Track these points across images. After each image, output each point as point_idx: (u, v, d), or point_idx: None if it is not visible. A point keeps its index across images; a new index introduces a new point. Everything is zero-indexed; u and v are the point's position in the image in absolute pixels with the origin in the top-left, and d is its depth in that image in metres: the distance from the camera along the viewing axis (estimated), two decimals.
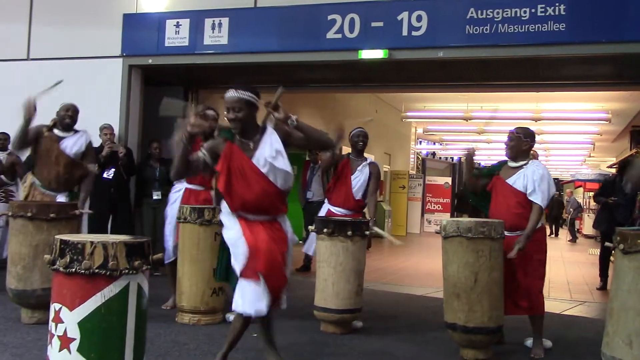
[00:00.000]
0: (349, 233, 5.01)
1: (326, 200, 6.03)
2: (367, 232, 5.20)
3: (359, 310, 5.19)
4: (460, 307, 4.41)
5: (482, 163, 27.21)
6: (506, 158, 4.95)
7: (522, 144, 4.80)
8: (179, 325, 5.10)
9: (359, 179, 5.79)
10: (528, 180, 4.67)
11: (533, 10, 6.37)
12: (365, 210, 6.05)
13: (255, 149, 3.63)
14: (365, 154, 6.00)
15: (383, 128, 16.36)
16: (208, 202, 5.63)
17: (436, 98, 14.12)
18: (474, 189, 5.12)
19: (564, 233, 21.39)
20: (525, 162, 4.79)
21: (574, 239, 18.98)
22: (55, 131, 5.53)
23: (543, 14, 6.34)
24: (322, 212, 5.92)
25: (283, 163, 3.61)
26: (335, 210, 5.83)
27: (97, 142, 7.09)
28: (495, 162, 5.20)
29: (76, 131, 5.61)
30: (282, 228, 3.74)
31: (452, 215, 18.58)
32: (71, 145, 5.49)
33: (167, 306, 5.62)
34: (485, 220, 4.49)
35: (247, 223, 3.62)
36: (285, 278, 3.69)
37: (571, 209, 20.35)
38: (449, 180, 20.61)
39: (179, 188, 5.73)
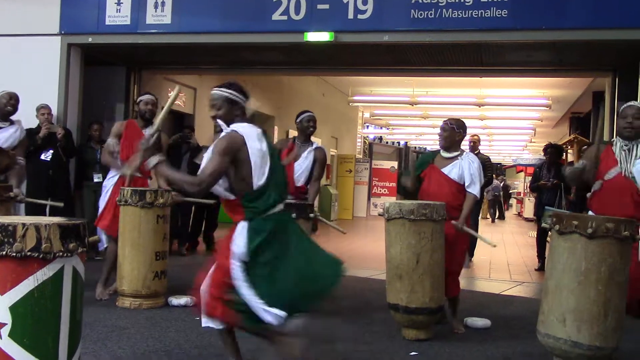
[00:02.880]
0: (293, 215, 4.98)
1: None
2: (312, 215, 5.20)
3: None
4: (403, 288, 4.47)
5: (428, 148, 27.65)
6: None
7: (455, 135, 4.97)
8: (120, 309, 5.01)
9: (301, 164, 5.60)
10: (465, 172, 4.86)
11: None
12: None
13: None
14: (313, 138, 5.87)
15: (330, 112, 16.38)
16: None
17: (383, 82, 14.20)
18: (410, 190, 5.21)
19: (510, 217, 22.23)
20: (458, 152, 4.97)
21: (493, 219, 20.74)
22: None
23: (486, 0, 6.43)
24: None
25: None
26: None
27: (34, 123, 6.87)
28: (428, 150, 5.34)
29: (12, 122, 5.48)
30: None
31: (398, 199, 18.80)
32: (4, 139, 5.33)
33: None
34: (427, 203, 4.55)
35: None
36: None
37: (486, 192, 21.05)
38: (395, 164, 20.81)
39: (113, 174, 5.59)
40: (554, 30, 6.42)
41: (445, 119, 5.12)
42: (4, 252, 2.51)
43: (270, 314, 3.09)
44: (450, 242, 4.72)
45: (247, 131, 3.22)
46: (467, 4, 6.47)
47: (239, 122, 3.27)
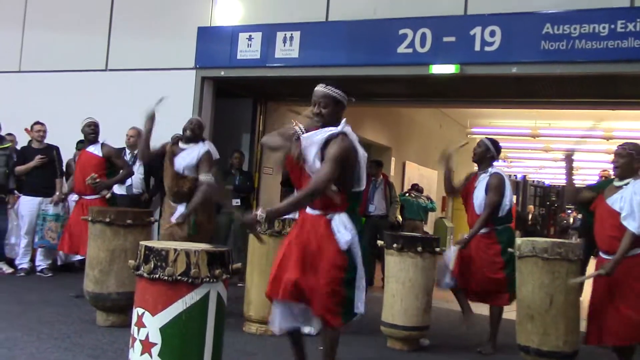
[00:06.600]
0: (419, 249, 4.96)
1: None
2: (437, 249, 5.14)
3: (426, 327, 5.12)
4: (534, 329, 4.30)
5: (548, 182, 26.57)
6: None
7: (633, 162, 4.30)
8: (247, 335, 5.14)
9: (477, 194, 5.38)
10: (625, 202, 4.17)
11: (612, 26, 6.18)
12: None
13: None
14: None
15: (447, 144, 16.11)
16: None
17: (503, 114, 13.86)
18: (574, 199, 4.76)
19: None
20: (629, 180, 4.29)
21: None
22: (180, 144, 5.55)
23: (623, 30, 6.14)
24: None
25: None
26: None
27: None
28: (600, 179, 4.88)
29: (198, 142, 5.55)
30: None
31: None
32: (182, 158, 5.47)
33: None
34: (562, 241, 4.39)
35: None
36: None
37: None
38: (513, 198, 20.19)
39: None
40: None
41: (620, 144, 4.46)
42: (157, 276, 2.66)
43: (362, 305, 3.39)
44: (618, 282, 4.13)
45: (353, 135, 3.38)
46: (602, 34, 6.21)
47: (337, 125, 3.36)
